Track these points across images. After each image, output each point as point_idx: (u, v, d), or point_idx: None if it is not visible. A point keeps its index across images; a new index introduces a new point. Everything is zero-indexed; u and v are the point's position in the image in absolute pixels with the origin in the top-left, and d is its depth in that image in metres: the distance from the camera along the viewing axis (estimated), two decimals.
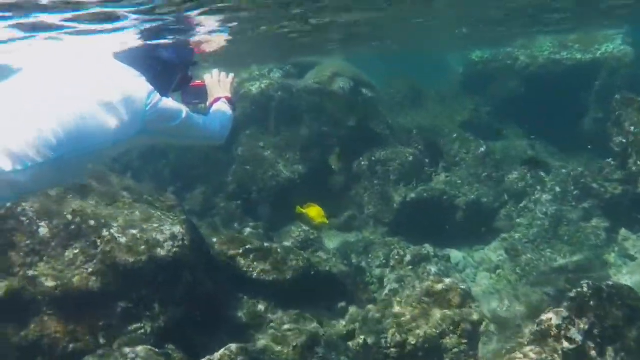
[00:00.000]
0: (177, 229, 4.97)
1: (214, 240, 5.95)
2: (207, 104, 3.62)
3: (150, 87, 2.89)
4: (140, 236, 4.80)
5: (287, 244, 6.39)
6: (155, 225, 4.93)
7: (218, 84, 3.59)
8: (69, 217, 4.79)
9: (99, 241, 4.72)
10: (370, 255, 7.17)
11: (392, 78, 11.71)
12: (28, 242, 4.70)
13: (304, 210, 6.10)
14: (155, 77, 3.04)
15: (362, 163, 8.18)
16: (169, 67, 3.30)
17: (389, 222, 7.84)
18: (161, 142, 3.90)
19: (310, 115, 8.86)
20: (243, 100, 8.72)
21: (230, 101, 3.56)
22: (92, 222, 4.79)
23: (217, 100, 3.52)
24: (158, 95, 2.90)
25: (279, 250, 5.87)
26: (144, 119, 2.81)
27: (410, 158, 8.13)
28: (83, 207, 4.89)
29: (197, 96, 3.57)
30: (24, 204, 4.82)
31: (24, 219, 4.75)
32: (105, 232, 4.75)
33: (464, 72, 12.30)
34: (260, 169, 8.06)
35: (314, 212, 6.05)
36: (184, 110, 3.06)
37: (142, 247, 4.73)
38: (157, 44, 4.48)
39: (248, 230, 6.87)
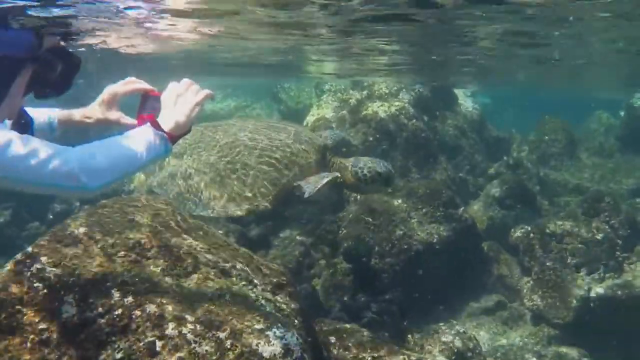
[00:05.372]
0: (292, 337, 2.84)
1: (332, 339, 3.80)
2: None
3: None
4: (230, 345, 2.69)
5: (440, 358, 4.12)
6: (258, 325, 2.81)
7: (174, 99, 2.34)
8: (116, 294, 2.73)
9: (159, 344, 2.65)
10: None
11: (541, 121, 9.27)
12: (40, 326, 2.69)
13: None
14: None
15: (532, 235, 5.79)
16: None
17: (563, 324, 5.43)
18: None
19: (448, 155, 6.72)
20: (363, 123, 6.65)
21: (157, 127, 2.24)
22: (152, 308, 2.71)
23: (141, 120, 2.32)
24: None
25: None
26: None
27: (600, 236, 5.69)
28: (141, 277, 2.84)
29: (150, 111, 2.38)
30: (43, 259, 2.81)
31: (38, 284, 2.75)
32: (171, 329, 2.68)
33: (626, 123, 9.76)
34: (387, 223, 5.73)
35: None
36: None
37: None
38: None
39: (370, 315, 4.62)
